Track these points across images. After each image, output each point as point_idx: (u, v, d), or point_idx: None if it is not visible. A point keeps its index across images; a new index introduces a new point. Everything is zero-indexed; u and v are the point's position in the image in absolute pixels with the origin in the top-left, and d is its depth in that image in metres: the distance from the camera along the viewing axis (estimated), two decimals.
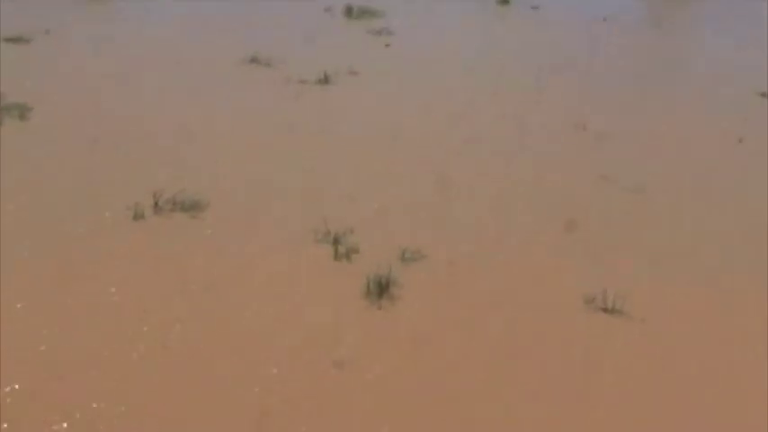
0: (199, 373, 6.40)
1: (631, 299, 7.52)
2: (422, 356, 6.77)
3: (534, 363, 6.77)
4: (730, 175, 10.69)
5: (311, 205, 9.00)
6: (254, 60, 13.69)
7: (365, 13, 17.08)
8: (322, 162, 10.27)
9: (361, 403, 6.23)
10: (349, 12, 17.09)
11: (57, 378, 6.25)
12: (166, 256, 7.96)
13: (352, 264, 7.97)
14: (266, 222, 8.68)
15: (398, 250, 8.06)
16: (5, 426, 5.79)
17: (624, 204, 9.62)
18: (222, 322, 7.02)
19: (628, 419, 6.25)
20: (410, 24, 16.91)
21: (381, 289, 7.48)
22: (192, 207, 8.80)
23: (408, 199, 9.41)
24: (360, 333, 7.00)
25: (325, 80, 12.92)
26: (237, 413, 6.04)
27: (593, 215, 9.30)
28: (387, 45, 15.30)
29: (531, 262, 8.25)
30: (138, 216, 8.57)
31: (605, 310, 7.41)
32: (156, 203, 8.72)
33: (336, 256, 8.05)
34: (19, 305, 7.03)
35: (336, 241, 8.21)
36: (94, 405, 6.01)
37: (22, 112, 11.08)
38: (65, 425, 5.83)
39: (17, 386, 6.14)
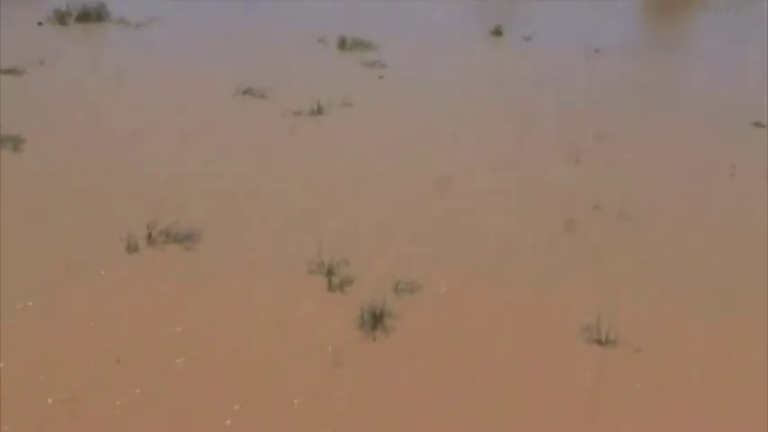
0: (189, 407, 6.36)
1: (626, 329, 7.50)
2: (416, 387, 6.74)
3: (530, 394, 6.74)
4: (724, 204, 10.70)
5: (305, 236, 8.98)
6: (248, 92, 13.73)
7: (358, 44, 17.15)
8: (316, 193, 10.27)
9: None
10: (342, 43, 17.16)
11: (45, 413, 6.21)
12: (160, 288, 7.93)
13: (346, 295, 7.95)
14: (260, 253, 8.66)
15: (392, 281, 8.04)
16: None
17: (618, 233, 9.61)
18: (216, 354, 6.98)
19: None
20: (403, 56, 16.98)
21: (375, 320, 7.45)
22: (185, 238, 8.78)
23: (402, 230, 9.40)
24: (354, 364, 6.97)
25: (319, 111, 12.95)
26: None
27: (587, 245, 9.29)
28: (380, 77, 15.35)
29: (524, 293, 8.23)
30: (131, 248, 8.54)
31: (599, 341, 7.39)
32: (149, 235, 8.70)
33: (330, 287, 8.03)
34: (10, 338, 6.99)
35: (330, 272, 8.19)
36: None
37: (16, 143, 11.07)
38: None
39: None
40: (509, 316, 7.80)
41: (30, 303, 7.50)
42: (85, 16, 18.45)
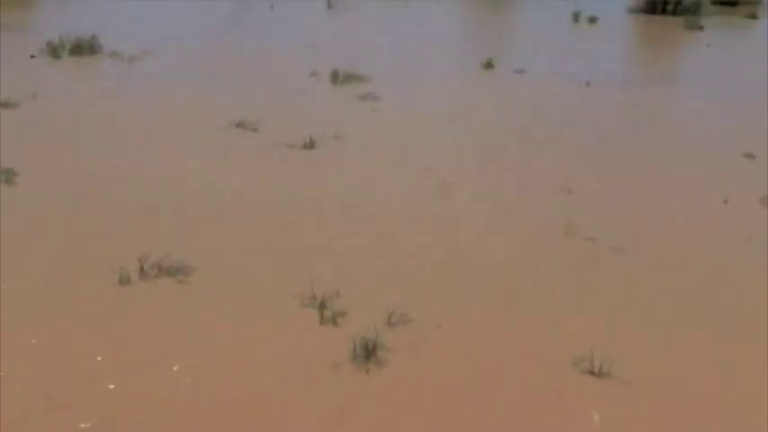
0: None
1: (619, 361, 7.49)
2: (410, 420, 6.72)
3: (524, 428, 6.73)
4: (717, 236, 10.73)
5: (297, 269, 8.98)
6: (240, 124, 13.76)
7: (351, 77, 17.22)
8: (308, 226, 10.28)
9: None
10: (335, 77, 17.22)
11: None
12: (152, 322, 7.91)
13: (338, 328, 7.94)
14: (252, 287, 8.65)
15: (385, 314, 8.03)
16: None
17: (611, 266, 9.63)
18: (207, 390, 6.96)
19: None
20: (396, 89, 17.05)
21: (368, 353, 7.44)
22: (178, 272, 8.78)
23: (394, 263, 9.40)
24: (347, 397, 6.95)
25: (311, 144, 12.97)
26: None
27: (580, 276, 9.30)
28: (373, 110, 15.40)
29: (518, 325, 8.22)
30: (123, 281, 8.53)
31: (592, 372, 7.39)
32: (141, 268, 8.69)
33: (322, 320, 8.02)
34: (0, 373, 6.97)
35: (322, 305, 8.18)
36: None
37: (9, 176, 11.08)
38: None
39: None
40: (502, 348, 7.79)
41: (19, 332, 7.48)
42: (78, 49, 18.51)
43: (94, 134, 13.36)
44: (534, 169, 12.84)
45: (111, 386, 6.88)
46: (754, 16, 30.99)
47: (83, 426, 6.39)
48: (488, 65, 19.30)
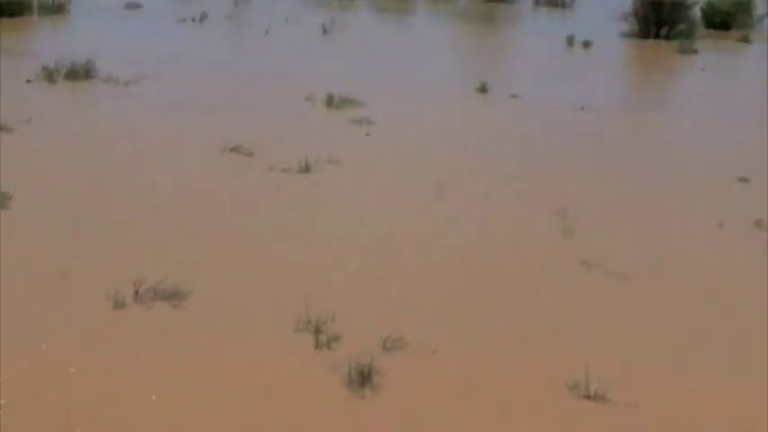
0: None
1: (615, 385, 7.48)
2: None
3: None
4: (712, 260, 10.74)
5: (292, 294, 8.96)
6: (236, 149, 13.76)
7: (346, 102, 17.24)
8: (302, 250, 10.28)
9: None
10: (330, 101, 17.25)
11: None
12: (146, 346, 7.90)
13: (333, 352, 7.92)
14: (247, 311, 8.64)
15: (380, 338, 8.02)
16: None
17: (605, 290, 9.63)
18: (202, 415, 6.94)
19: None
20: (390, 113, 17.07)
21: (363, 378, 7.42)
22: (172, 296, 8.76)
23: (389, 287, 9.40)
24: (343, 423, 6.93)
25: (306, 169, 12.97)
26: None
27: (575, 301, 9.30)
28: (367, 134, 15.42)
29: (512, 349, 8.22)
30: (118, 305, 8.51)
31: (588, 397, 7.37)
32: (136, 292, 8.67)
33: (318, 345, 8.01)
34: None
35: (317, 330, 8.16)
36: None
37: (3, 200, 11.06)
38: None
39: None
40: (497, 372, 7.79)
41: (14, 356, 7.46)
42: (74, 74, 18.52)
43: (89, 158, 13.35)
44: (529, 193, 12.85)
45: (106, 410, 6.86)
46: (746, 40, 31.08)
47: None
48: (482, 89, 19.33)
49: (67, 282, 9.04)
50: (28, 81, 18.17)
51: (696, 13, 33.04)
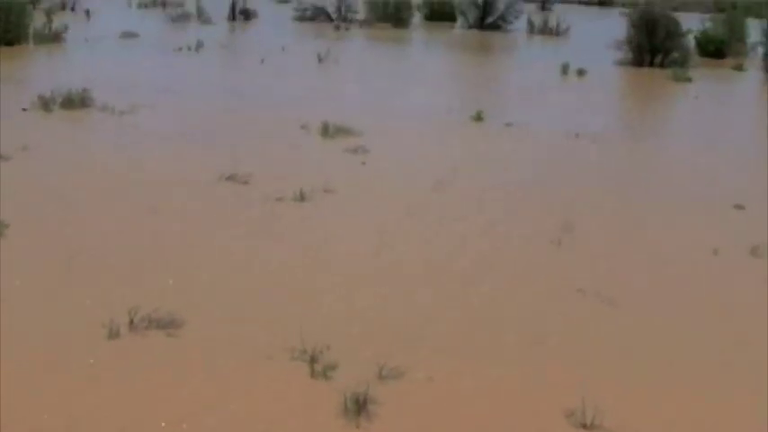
0: None
1: (611, 413, 7.47)
2: None
3: None
4: (707, 288, 10.75)
5: (287, 323, 8.95)
6: (231, 178, 13.78)
7: (341, 130, 17.28)
8: (297, 279, 10.28)
9: None
10: (325, 130, 17.28)
11: None
12: (141, 376, 7.88)
13: (329, 381, 7.90)
14: (242, 340, 8.62)
15: (376, 367, 8.00)
16: None
17: (601, 317, 9.63)
18: None
19: None
20: (386, 142, 17.12)
21: (359, 407, 7.41)
22: (168, 325, 8.74)
23: (385, 315, 9.39)
24: None
25: (302, 197, 12.99)
26: None
27: (570, 329, 9.29)
28: (362, 163, 15.45)
29: (509, 377, 8.20)
30: (112, 334, 8.50)
31: (584, 426, 7.36)
32: (131, 321, 8.66)
33: (313, 374, 7.99)
34: None
35: (313, 359, 8.14)
36: None
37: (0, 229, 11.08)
38: None
39: None
40: (493, 400, 7.77)
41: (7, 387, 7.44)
42: (70, 103, 18.56)
43: (84, 187, 13.36)
44: (523, 221, 12.87)
45: None
46: (741, 68, 31.26)
47: None
48: (478, 117, 19.40)
49: (61, 310, 9.03)
50: (24, 109, 18.21)
51: (690, 41, 33.26)
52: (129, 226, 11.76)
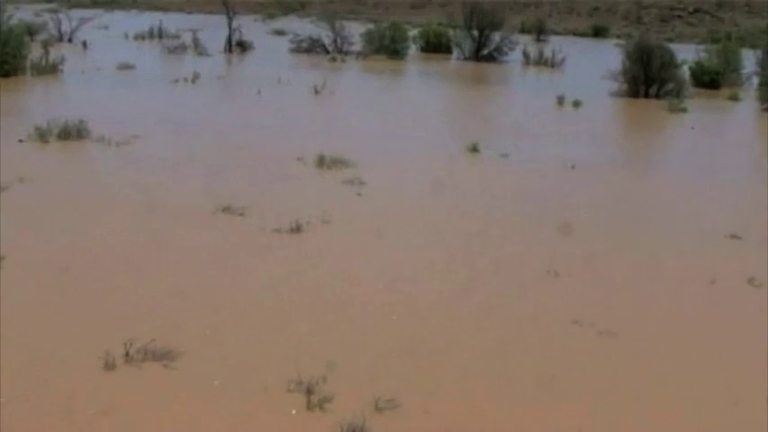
0: None
1: None
2: None
3: None
4: (704, 319, 10.74)
5: (284, 354, 8.95)
6: (227, 209, 13.77)
7: (337, 162, 17.30)
8: (294, 310, 10.26)
9: None
10: (321, 161, 17.30)
11: None
12: (137, 408, 7.85)
13: (325, 413, 7.88)
14: (238, 372, 8.60)
15: (372, 399, 7.98)
16: None
17: (597, 349, 9.61)
18: None
19: None
20: (381, 174, 17.13)
21: None
22: (164, 357, 8.72)
23: (382, 347, 9.37)
24: None
25: (297, 229, 12.98)
26: None
27: (567, 361, 9.27)
28: (358, 194, 15.45)
29: (505, 409, 8.18)
30: (108, 366, 8.47)
31: None
32: (127, 353, 8.64)
33: (309, 406, 7.96)
34: None
35: (309, 390, 8.12)
36: None
37: None
38: None
39: None
40: None
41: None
42: (66, 134, 18.57)
43: (80, 218, 13.37)
44: (521, 253, 12.88)
45: None
46: (736, 98, 31.38)
47: None
48: (473, 149, 19.43)
49: (57, 342, 9.00)
50: (20, 141, 18.22)
51: (685, 72, 33.40)
52: (126, 258, 11.74)
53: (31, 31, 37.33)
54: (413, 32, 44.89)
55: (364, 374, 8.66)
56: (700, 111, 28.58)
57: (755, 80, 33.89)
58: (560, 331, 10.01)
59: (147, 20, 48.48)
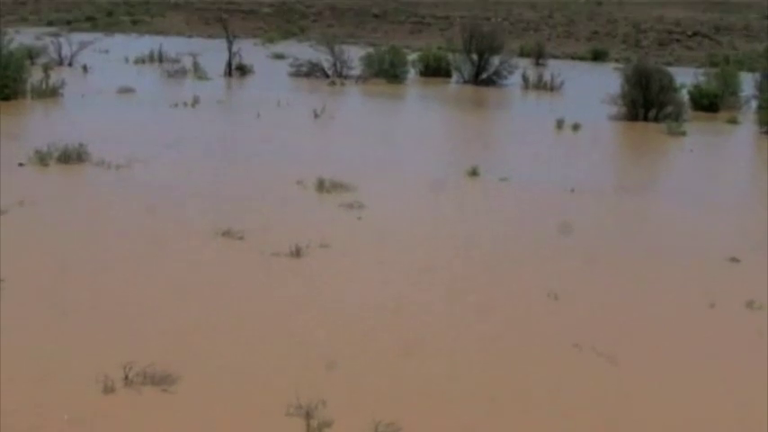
0: None
1: None
2: None
3: None
4: (704, 342, 10.73)
5: (283, 377, 8.93)
6: (226, 233, 13.77)
7: (337, 186, 17.30)
8: (293, 334, 10.25)
9: None
10: (321, 185, 17.31)
11: None
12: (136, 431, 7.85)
13: None
14: (238, 396, 8.58)
15: (372, 423, 7.96)
16: None
17: (597, 374, 9.59)
18: None
19: None
20: (381, 197, 17.15)
21: None
22: (163, 380, 8.71)
23: (381, 370, 9.36)
24: None
25: (297, 253, 12.97)
26: None
27: (567, 385, 9.26)
28: (358, 218, 15.46)
29: None
30: (107, 389, 8.46)
31: None
32: (126, 377, 8.62)
33: (308, 430, 7.94)
34: None
35: (309, 414, 8.10)
36: None
37: None
38: None
39: None
40: None
41: None
42: (66, 157, 18.59)
43: (80, 242, 13.38)
44: (520, 276, 12.88)
45: None
46: (734, 121, 31.41)
47: None
48: (473, 172, 19.44)
49: (56, 366, 9.00)
50: (20, 164, 18.24)
51: (684, 95, 33.46)
52: (125, 281, 11.74)
53: (31, 54, 37.35)
54: (412, 56, 44.96)
55: (364, 398, 8.64)
56: (699, 134, 28.62)
57: (754, 103, 33.94)
58: (561, 354, 10.00)
59: (147, 44, 48.61)
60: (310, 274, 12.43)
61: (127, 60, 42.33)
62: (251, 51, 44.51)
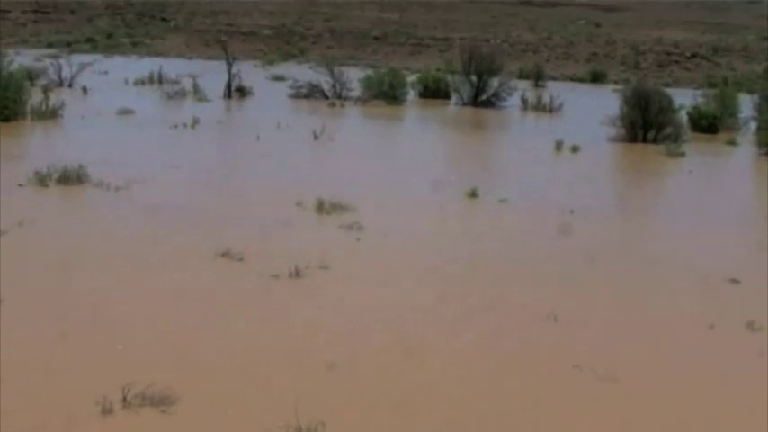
0: None
1: None
2: None
3: None
4: (704, 364, 10.72)
5: (282, 399, 8.91)
6: (225, 255, 13.76)
7: (336, 207, 17.30)
8: (292, 355, 10.24)
9: None
10: (320, 206, 17.31)
11: None
12: None
13: None
14: (237, 417, 8.57)
15: None
16: None
17: (597, 394, 9.58)
18: None
19: None
20: (380, 219, 17.14)
21: None
22: (162, 401, 8.70)
23: (381, 393, 9.35)
24: None
25: (296, 274, 12.96)
26: None
27: (567, 406, 9.24)
28: (357, 239, 15.46)
29: None
30: (106, 411, 8.45)
31: None
32: (124, 398, 8.61)
33: None
34: None
35: None
36: None
37: None
38: None
39: None
40: None
41: None
42: (66, 179, 18.60)
43: (79, 263, 13.37)
44: (520, 297, 12.87)
45: None
46: (733, 143, 31.43)
47: None
48: (472, 194, 19.45)
49: (54, 387, 8.98)
50: (20, 185, 18.25)
51: (683, 116, 33.48)
52: (124, 302, 11.74)
53: (31, 76, 37.37)
54: (411, 78, 44.98)
55: (364, 419, 8.63)
56: (698, 155, 28.65)
57: (753, 125, 33.97)
58: (561, 376, 9.98)
59: (147, 65, 48.64)
60: (310, 296, 12.42)
61: (126, 82, 42.35)
62: (251, 73, 44.55)
